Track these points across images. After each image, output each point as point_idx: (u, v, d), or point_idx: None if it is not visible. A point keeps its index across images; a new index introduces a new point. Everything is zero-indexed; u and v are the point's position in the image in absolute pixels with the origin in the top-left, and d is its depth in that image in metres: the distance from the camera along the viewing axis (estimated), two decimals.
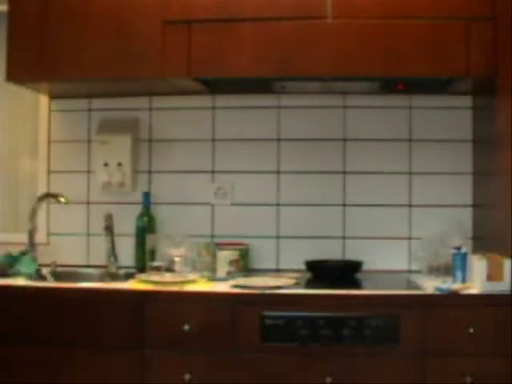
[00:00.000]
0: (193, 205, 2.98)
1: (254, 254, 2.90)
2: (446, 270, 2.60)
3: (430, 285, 2.40)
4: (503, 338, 2.21)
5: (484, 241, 2.68)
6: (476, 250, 2.69)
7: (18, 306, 2.42)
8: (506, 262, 2.27)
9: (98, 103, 3.03)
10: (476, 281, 2.33)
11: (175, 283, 2.45)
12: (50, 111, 3.08)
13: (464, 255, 2.45)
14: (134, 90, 2.93)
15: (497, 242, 2.45)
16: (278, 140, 2.94)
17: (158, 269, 2.62)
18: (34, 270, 2.73)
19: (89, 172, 3.03)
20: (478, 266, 2.31)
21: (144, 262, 2.84)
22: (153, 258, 2.89)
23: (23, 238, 2.92)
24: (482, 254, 2.39)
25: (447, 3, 2.47)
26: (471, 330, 2.22)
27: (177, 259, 2.61)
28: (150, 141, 3.02)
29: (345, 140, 2.92)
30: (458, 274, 2.44)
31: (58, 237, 3.04)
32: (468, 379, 2.21)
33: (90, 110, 3.04)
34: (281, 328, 2.27)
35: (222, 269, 2.64)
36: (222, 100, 2.97)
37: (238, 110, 2.97)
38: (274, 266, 2.92)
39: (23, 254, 2.79)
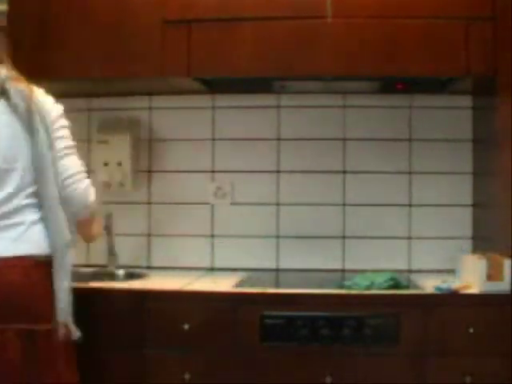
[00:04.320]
0: (193, 204, 2.98)
1: (253, 253, 2.90)
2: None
3: (430, 285, 2.40)
4: (503, 338, 2.21)
5: (484, 241, 2.68)
6: (476, 249, 2.69)
7: None
8: (506, 262, 2.27)
9: (97, 103, 3.03)
10: (476, 281, 2.32)
11: None
12: None
13: None
14: (133, 90, 2.93)
15: (497, 241, 2.45)
16: (278, 140, 2.94)
17: None
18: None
19: (89, 172, 3.02)
20: (478, 265, 2.31)
21: None
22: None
23: None
24: (482, 254, 2.39)
25: (447, 3, 2.47)
26: (471, 330, 2.22)
27: None
28: (150, 141, 3.02)
29: (345, 140, 2.92)
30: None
31: None
32: (468, 379, 2.21)
33: (89, 109, 3.04)
34: (281, 328, 2.27)
35: None
36: (222, 100, 2.97)
37: (237, 109, 2.97)
38: (273, 266, 2.92)
39: None
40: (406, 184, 2.90)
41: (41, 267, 1.99)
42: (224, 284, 2.48)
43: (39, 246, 2.00)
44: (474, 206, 2.85)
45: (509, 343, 2.20)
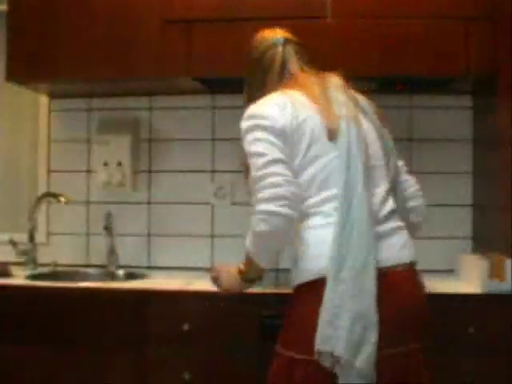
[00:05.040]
0: (193, 205, 2.98)
1: None
2: None
3: (430, 285, 2.40)
4: (503, 338, 2.21)
5: (484, 241, 2.68)
6: (476, 249, 2.69)
7: (18, 305, 2.41)
8: (508, 262, 2.27)
9: (97, 103, 3.03)
10: (477, 281, 2.32)
11: None
12: (49, 111, 3.08)
13: None
14: (133, 90, 2.93)
15: (497, 241, 2.45)
16: None
17: None
18: None
19: (89, 172, 3.03)
20: (479, 265, 2.31)
21: None
22: None
23: (23, 237, 2.92)
24: (483, 254, 2.39)
25: (447, 3, 2.47)
26: (471, 330, 2.22)
27: None
28: (150, 140, 3.02)
29: None
30: None
31: (57, 236, 3.04)
32: (468, 379, 2.21)
33: (89, 109, 3.04)
34: (281, 328, 2.26)
35: None
36: (222, 99, 2.97)
37: (238, 109, 2.95)
38: (273, 266, 2.91)
39: None
40: None
41: (420, 276, 1.84)
42: None
43: (414, 253, 1.84)
44: (473, 206, 2.85)
45: (509, 343, 2.20)
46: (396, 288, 1.72)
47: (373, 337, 1.64)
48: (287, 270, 2.85)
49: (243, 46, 2.52)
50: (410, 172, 2.86)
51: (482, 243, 2.69)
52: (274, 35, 2.07)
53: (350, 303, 1.66)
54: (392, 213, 1.82)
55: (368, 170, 1.80)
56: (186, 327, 2.29)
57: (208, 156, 2.98)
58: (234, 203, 2.96)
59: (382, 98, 2.87)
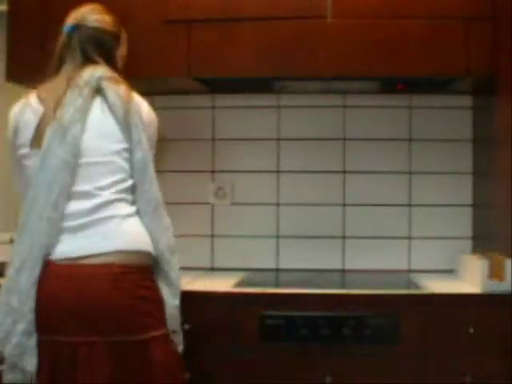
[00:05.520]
0: (193, 204, 2.98)
1: (253, 253, 2.91)
2: None
3: (430, 285, 2.40)
4: (503, 338, 2.21)
5: (484, 241, 2.68)
6: (476, 249, 2.69)
7: None
8: (508, 262, 2.27)
9: None
10: (477, 281, 2.32)
11: None
12: None
13: None
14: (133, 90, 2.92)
15: (497, 241, 2.45)
16: (278, 140, 2.95)
17: None
18: None
19: None
20: (479, 265, 2.31)
21: None
22: None
23: None
24: (483, 254, 2.39)
25: (447, 3, 2.47)
26: (471, 330, 2.22)
27: None
28: None
29: (345, 140, 2.92)
30: None
31: None
32: (468, 379, 2.21)
33: None
34: (281, 328, 2.27)
35: None
36: (222, 99, 2.97)
37: (237, 109, 2.97)
38: (273, 266, 2.92)
39: None
40: (406, 184, 2.90)
41: (137, 266, 1.90)
42: (224, 284, 2.48)
43: (137, 241, 1.93)
44: (473, 206, 2.85)
45: (509, 343, 2.20)
46: (60, 281, 1.82)
47: (20, 328, 1.78)
48: (287, 270, 2.87)
49: (243, 46, 2.54)
50: (410, 172, 2.91)
51: (481, 243, 2.69)
52: (69, 20, 2.11)
53: (4, 298, 1.82)
54: (100, 206, 1.90)
55: (82, 168, 1.91)
56: (185, 327, 2.28)
57: (208, 156, 2.98)
58: (233, 203, 2.96)
59: (382, 98, 2.90)
